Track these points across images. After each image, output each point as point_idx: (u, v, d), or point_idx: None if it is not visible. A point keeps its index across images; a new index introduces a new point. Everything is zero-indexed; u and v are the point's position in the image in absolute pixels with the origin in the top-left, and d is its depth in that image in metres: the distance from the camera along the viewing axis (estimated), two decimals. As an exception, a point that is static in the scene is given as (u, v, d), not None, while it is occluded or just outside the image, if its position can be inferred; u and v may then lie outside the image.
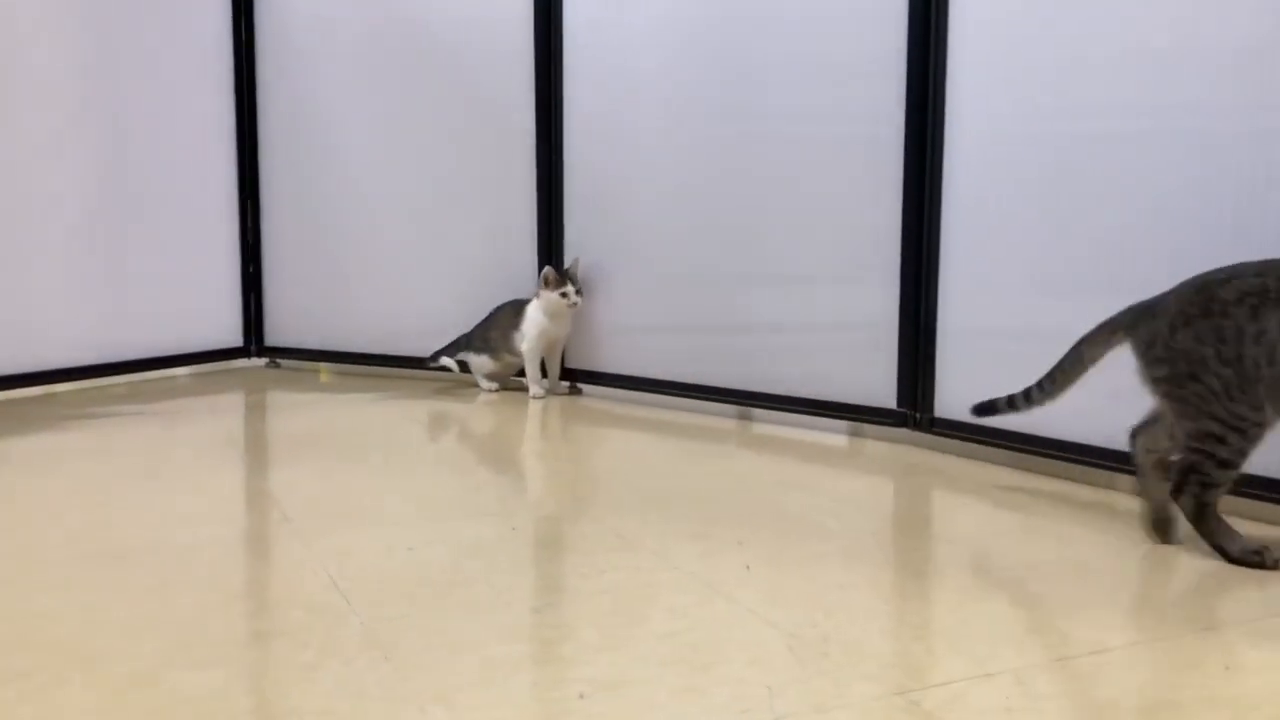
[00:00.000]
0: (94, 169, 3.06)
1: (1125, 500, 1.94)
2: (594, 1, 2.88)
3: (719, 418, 2.70)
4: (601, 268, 2.96)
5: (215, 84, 3.33)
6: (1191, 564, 1.66)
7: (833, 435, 2.53)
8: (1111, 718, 1.19)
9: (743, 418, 2.72)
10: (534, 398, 2.92)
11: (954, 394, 2.29)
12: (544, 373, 2.98)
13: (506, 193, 3.06)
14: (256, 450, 2.54)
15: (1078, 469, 2.09)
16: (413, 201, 3.21)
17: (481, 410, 2.87)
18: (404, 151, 3.21)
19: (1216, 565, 1.63)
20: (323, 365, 3.46)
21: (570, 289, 2.85)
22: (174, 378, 3.26)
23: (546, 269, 2.86)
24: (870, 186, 2.42)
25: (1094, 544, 1.76)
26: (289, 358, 3.45)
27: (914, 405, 2.39)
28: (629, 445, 2.54)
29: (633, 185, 2.88)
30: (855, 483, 2.19)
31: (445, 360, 3.04)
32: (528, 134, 3.00)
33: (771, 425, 2.63)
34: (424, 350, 3.13)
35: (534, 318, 2.90)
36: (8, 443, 2.47)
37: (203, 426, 2.69)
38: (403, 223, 3.24)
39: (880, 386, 2.44)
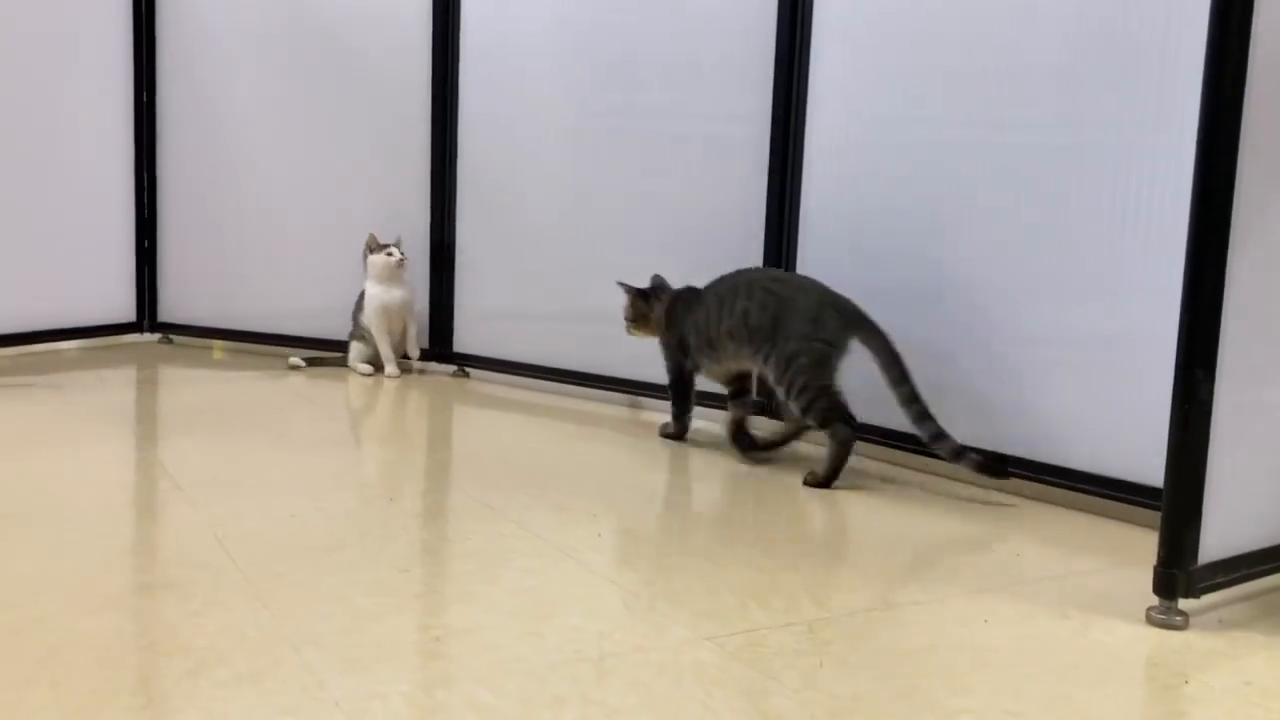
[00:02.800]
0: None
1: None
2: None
3: (606, 404, 2.88)
4: (490, 254, 3.12)
5: (116, 58, 3.39)
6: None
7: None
8: (887, 664, 1.42)
9: (632, 405, 2.91)
10: (388, 376, 3.08)
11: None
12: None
13: (401, 179, 3.21)
14: (147, 423, 2.66)
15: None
16: (310, 184, 3.34)
17: (370, 390, 3.01)
18: (303, 135, 3.33)
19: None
20: (217, 343, 3.55)
21: (394, 247, 3.01)
22: (62, 351, 3.33)
23: (369, 235, 3.03)
24: (735, 184, 2.65)
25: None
26: (182, 334, 3.54)
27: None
28: (507, 427, 2.72)
29: (520, 175, 3.06)
30: (700, 459, 2.41)
31: (292, 360, 3.18)
32: (423, 122, 3.15)
33: (657, 413, 2.82)
34: (318, 331, 3.27)
35: (368, 290, 3.06)
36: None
37: (94, 399, 2.79)
38: (300, 205, 3.36)
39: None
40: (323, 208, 3.33)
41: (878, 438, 2.34)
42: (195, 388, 3.01)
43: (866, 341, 2.15)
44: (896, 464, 2.33)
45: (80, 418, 2.57)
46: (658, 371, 2.55)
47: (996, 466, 2.10)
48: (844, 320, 2.17)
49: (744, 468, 2.37)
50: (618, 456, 2.44)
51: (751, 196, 2.62)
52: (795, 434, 2.33)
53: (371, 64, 3.23)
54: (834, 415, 2.15)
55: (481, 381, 3.13)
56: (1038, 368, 2.15)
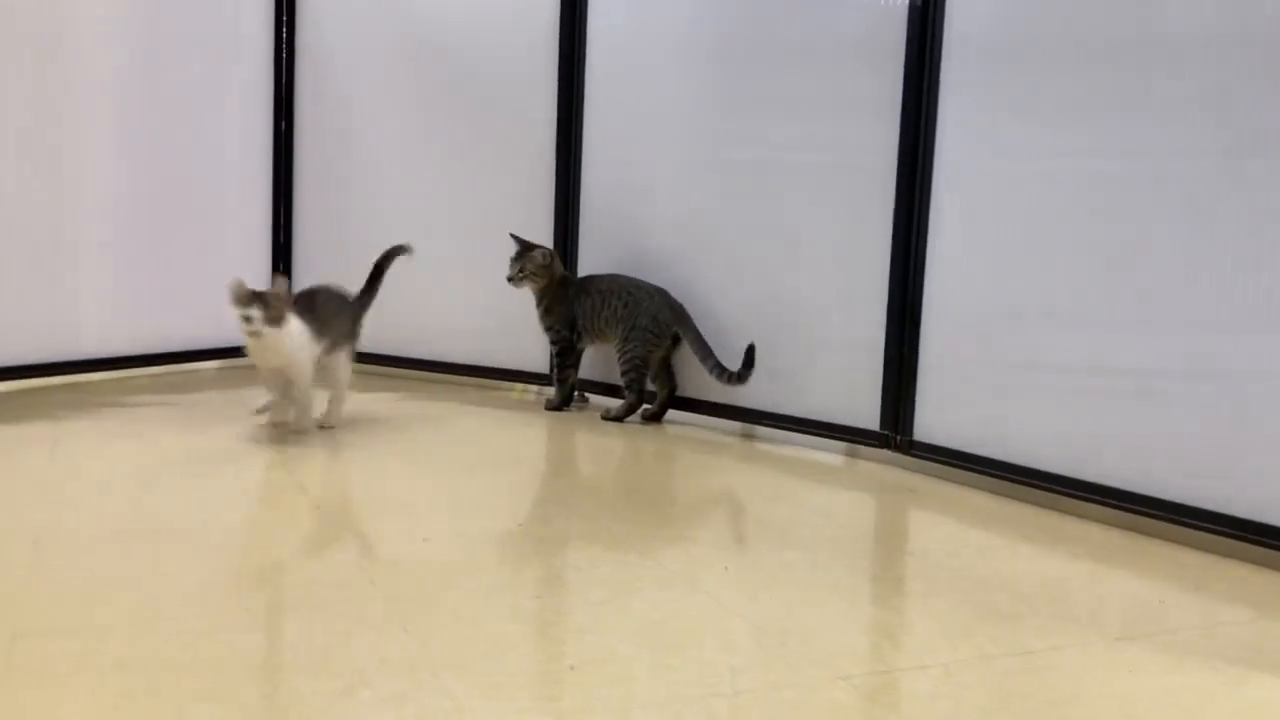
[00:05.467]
0: (141, 170, 3.28)
1: (1077, 524, 2.15)
2: (615, 28, 3.10)
3: (723, 434, 2.89)
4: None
5: (256, 95, 3.55)
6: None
7: (827, 454, 2.72)
8: (1020, 709, 1.39)
9: (746, 435, 2.91)
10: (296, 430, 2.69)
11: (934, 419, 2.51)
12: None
13: (526, 206, 3.27)
14: (283, 443, 2.75)
15: (1047, 495, 2.28)
16: (437, 211, 3.43)
17: (499, 415, 3.07)
18: (431, 163, 3.42)
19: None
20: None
21: (255, 311, 2.47)
22: (199, 371, 3.48)
23: (232, 280, 2.52)
24: (861, 216, 2.63)
25: (1043, 558, 1.96)
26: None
27: (895, 428, 2.59)
28: (631, 455, 2.75)
29: (644, 202, 3.09)
30: (837, 497, 2.39)
31: (258, 403, 2.78)
32: (548, 150, 3.21)
33: (772, 443, 2.82)
34: (439, 354, 3.36)
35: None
36: (62, 425, 2.69)
37: (233, 417, 2.90)
38: (426, 231, 3.45)
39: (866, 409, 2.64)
40: (449, 235, 3.42)
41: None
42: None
43: (684, 332, 2.86)
44: (1007, 497, 2.27)
45: (222, 435, 2.68)
46: (770, 401, 2.55)
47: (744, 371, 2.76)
48: (672, 316, 2.89)
49: (874, 505, 2.34)
50: (738, 487, 2.44)
51: (875, 228, 2.60)
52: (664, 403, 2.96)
53: (498, 97, 3.31)
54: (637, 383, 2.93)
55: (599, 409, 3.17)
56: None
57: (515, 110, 3.28)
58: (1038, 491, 2.28)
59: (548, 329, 3.04)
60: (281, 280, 2.63)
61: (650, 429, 2.90)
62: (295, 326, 2.55)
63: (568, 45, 3.16)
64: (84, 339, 3.20)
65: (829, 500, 2.35)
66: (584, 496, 2.32)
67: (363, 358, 3.50)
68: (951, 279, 2.49)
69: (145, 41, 3.26)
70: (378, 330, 3.51)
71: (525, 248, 3.01)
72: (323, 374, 2.71)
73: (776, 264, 2.81)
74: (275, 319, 2.49)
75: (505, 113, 3.30)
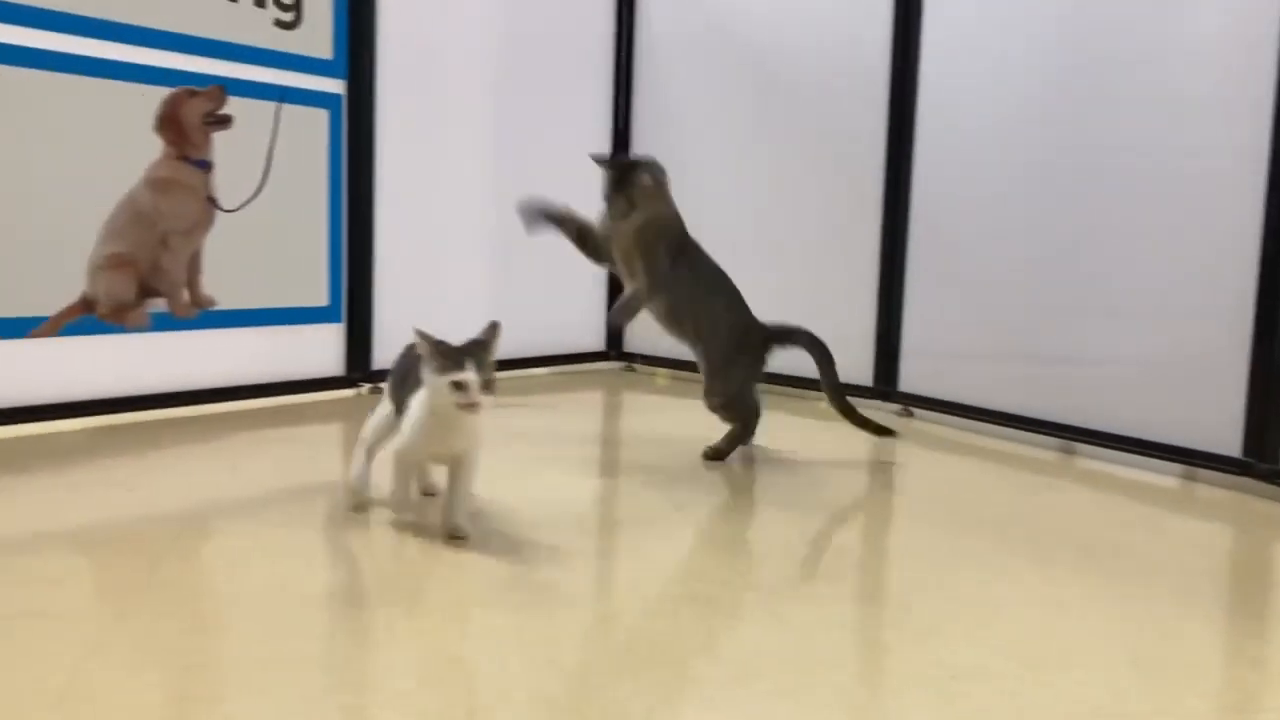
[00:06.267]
0: (498, 196, 3.62)
1: None
2: (947, 57, 3.11)
3: (1037, 448, 2.84)
4: (939, 291, 3.17)
5: (596, 130, 3.84)
6: None
7: (1159, 475, 2.63)
8: None
9: (1064, 450, 2.86)
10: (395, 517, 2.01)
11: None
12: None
13: (848, 205, 3.35)
14: (632, 445, 2.96)
15: None
16: (762, 236, 3.57)
17: (827, 426, 3.15)
18: (758, 190, 3.57)
19: None
20: (659, 371, 3.89)
21: (470, 374, 1.79)
22: (536, 375, 3.78)
23: (421, 336, 1.83)
24: (1221, 228, 2.51)
25: None
26: (642, 363, 3.91)
27: (1260, 454, 2.45)
28: (960, 471, 2.75)
29: (971, 211, 3.08)
30: (1191, 526, 2.30)
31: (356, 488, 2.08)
32: (878, 151, 3.28)
33: (1095, 460, 2.76)
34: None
35: (415, 412, 1.90)
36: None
37: (585, 417, 3.15)
38: (751, 258, 3.60)
39: (1223, 431, 2.51)
40: (776, 254, 3.55)
41: None
42: (658, 413, 3.30)
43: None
44: None
45: (571, 435, 2.91)
46: (1106, 418, 2.48)
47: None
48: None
49: (1241, 537, 2.25)
50: (1081, 507, 2.40)
51: (1244, 242, 2.48)
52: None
53: (826, 117, 3.41)
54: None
55: (926, 422, 3.18)
56: None
57: (844, 131, 3.36)
58: None
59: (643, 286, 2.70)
60: (495, 327, 1.87)
61: (934, 443, 2.89)
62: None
63: (900, 62, 3.21)
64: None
65: (1188, 529, 2.27)
66: (928, 511, 2.36)
67: (682, 365, 3.69)
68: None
69: (504, 71, 3.60)
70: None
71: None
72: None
73: (1129, 271, 2.73)
74: (490, 384, 1.83)
75: (834, 133, 3.39)
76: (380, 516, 2.04)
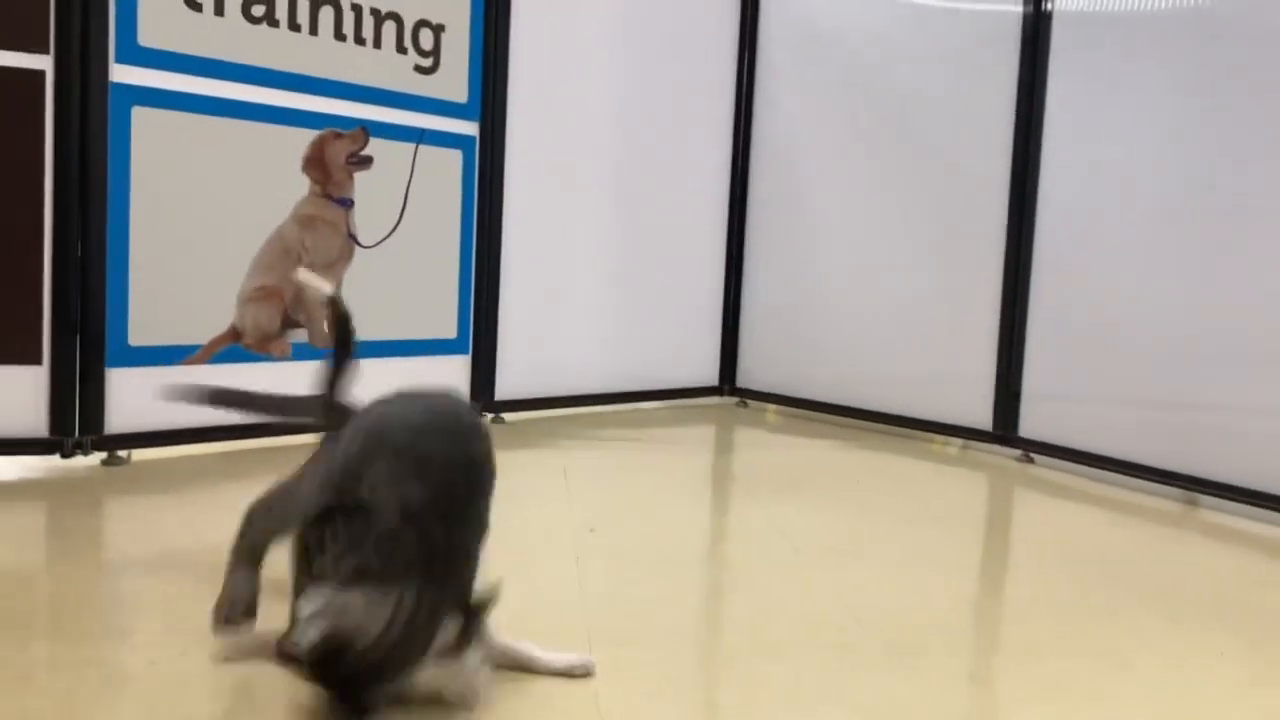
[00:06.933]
0: (618, 235, 3.71)
1: None
2: (1075, 103, 3.09)
3: (1159, 498, 2.79)
4: (1059, 334, 3.14)
5: (715, 169, 3.92)
6: None
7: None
8: None
9: (1188, 501, 2.79)
10: None
11: None
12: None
13: (969, 267, 3.34)
14: (747, 481, 3.00)
15: None
16: (880, 277, 3.58)
17: (947, 469, 3.14)
18: (876, 228, 3.58)
19: None
20: (771, 406, 3.92)
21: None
22: (646, 410, 3.84)
23: None
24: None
25: None
26: (755, 399, 3.94)
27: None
28: (1082, 519, 2.72)
29: (1096, 251, 3.04)
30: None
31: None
32: (999, 206, 3.26)
33: (1219, 513, 2.69)
34: (880, 404, 3.51)
35: None
36: (566, 453, 3.11)
37: (696, 454, 3.20)
38: (867, 293, 3.62)
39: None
40: (889, 298, 3.56)
41: None
42: (774, 451, 3.33)
43: None
44: None
45: (690, 471, 2.96)
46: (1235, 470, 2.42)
47: None
48: None
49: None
50: (1210, 562, 2.35)
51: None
52: None
53: (947, 160, 3.41)
54: None
55: (1045, 469, 3.14)
56: None
57: (966, 167, 3.36)
58: None
59: None
60: None
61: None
62: None
63: (1025, 105, 3.20)
64: (575, 376, 3.67)
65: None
66: (1050, 561, 2.34)
67: (794, 402, 3.70)
68: None
69: (626, 112, 3.70)
70: (814, 376, 3.71)
71: None
72: None
73: (1259, 317, 2.67)
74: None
75: (955, 170, 3.39)
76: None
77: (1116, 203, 2.99)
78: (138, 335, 2.64)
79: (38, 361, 2.53)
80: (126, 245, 2.60)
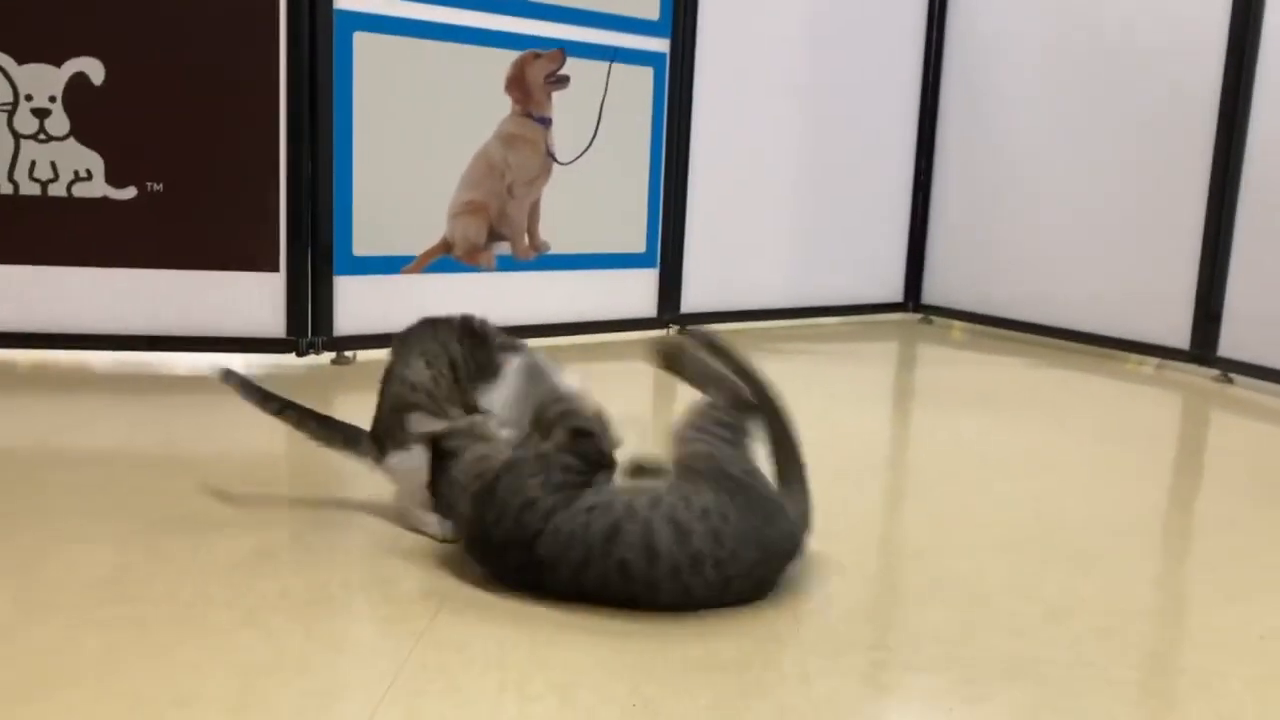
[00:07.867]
0: (805, 152, 3.74)
1: None
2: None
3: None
4: (1267, 251, 3.02)
5: (904, 87, 3.87)
6: None
7: None
8: None
9: None
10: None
11: None
12: None
13: (1171, 182, 3.23)
14: (932, 395, 3.04)
15: None
16: (1075, 191, 3.50)
17: (1140, 388, 3.09)
18: (1072, 143, 3.49)
19: None
20: (956, 323, 3.90)
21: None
22: (823, 325, 3.88)
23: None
24: None
25: None
26: (939, 315, 3.94)
27: None
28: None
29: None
30: None
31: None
32: (1210, 111, 3.14)
33: None
34: (1071, 321, 3.46)
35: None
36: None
37: (880, 368, 3.24)
38: (1061, 209, 3.54)
39: None
40: (1083, 211, 3.47)
41: None
42: (962, 368, 3.34)
43: None
44: None
45: (877, 384, 3.01)
46: None
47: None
48: None
49: None
50: None
51: None
52: None
53: (1153, 71, 3.28)
54: None
55: (1246, 389, 3.05)
56: None
57: (1172, 80, 3.23)
58: None
59: None
60: None
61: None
62: None
63: (1241, 14, 3.04)
64: (757, 292, 3.76)
65: None
66: (1241, 481, 2.31)
67: (980, 319, 3.68)
68: None
69: (814, 28, 3.70)
70: (1002, 294, 3.68)
71: None
72: None
73: None
74: None
75: (1161, 85, 3.26)
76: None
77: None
78: (361, 246, 2.88)
79: (275, 269, 2.79)
80: (351, 164, 2.83)
